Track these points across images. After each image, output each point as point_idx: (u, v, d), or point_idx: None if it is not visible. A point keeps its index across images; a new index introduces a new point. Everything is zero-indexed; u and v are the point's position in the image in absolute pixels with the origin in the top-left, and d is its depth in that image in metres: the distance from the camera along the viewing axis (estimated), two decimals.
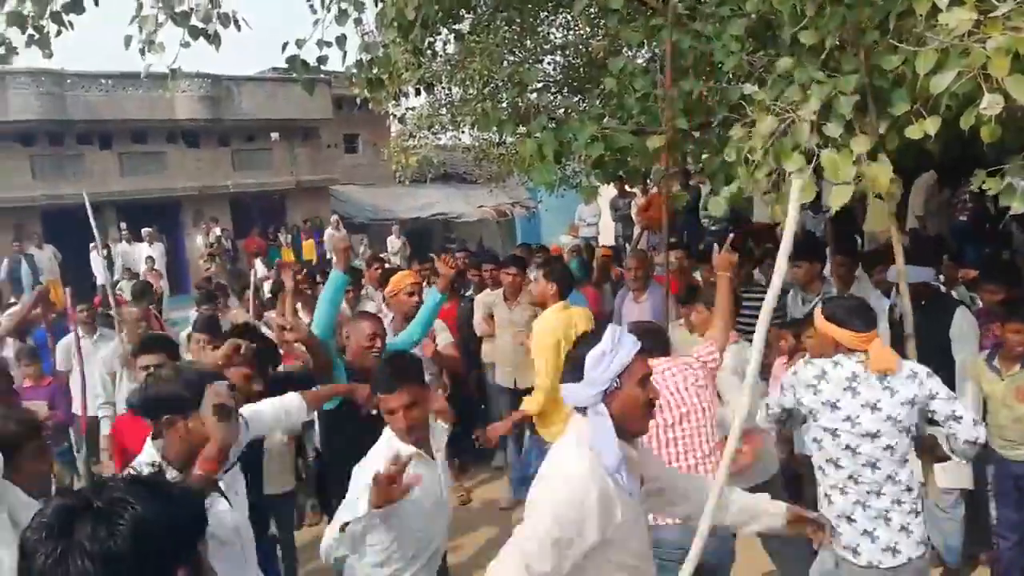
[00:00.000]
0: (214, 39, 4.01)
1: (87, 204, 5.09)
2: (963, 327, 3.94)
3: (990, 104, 2.28)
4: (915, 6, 2.47)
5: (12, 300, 7.58)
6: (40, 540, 1.01)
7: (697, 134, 4.29)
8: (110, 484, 1.07)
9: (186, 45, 4.01)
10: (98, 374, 5.29)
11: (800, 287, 5.00)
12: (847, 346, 2.67)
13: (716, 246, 3.76)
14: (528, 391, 4.56)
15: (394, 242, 16.31)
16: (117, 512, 1.02)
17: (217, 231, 16.10)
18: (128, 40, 3.92)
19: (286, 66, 4.42)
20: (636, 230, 10.37)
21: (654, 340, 3.15)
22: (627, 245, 10.56)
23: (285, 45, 4.20)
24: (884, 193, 2.62)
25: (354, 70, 4.62)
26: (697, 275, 6.06)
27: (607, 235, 13.20)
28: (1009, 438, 3.71)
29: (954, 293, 4.93)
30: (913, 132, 2.54)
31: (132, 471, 1.66)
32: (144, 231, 15.05)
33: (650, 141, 3.68)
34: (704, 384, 3.09)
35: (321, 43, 4.12)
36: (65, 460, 5.21)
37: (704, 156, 4.40)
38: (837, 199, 2.56)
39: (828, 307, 2.78)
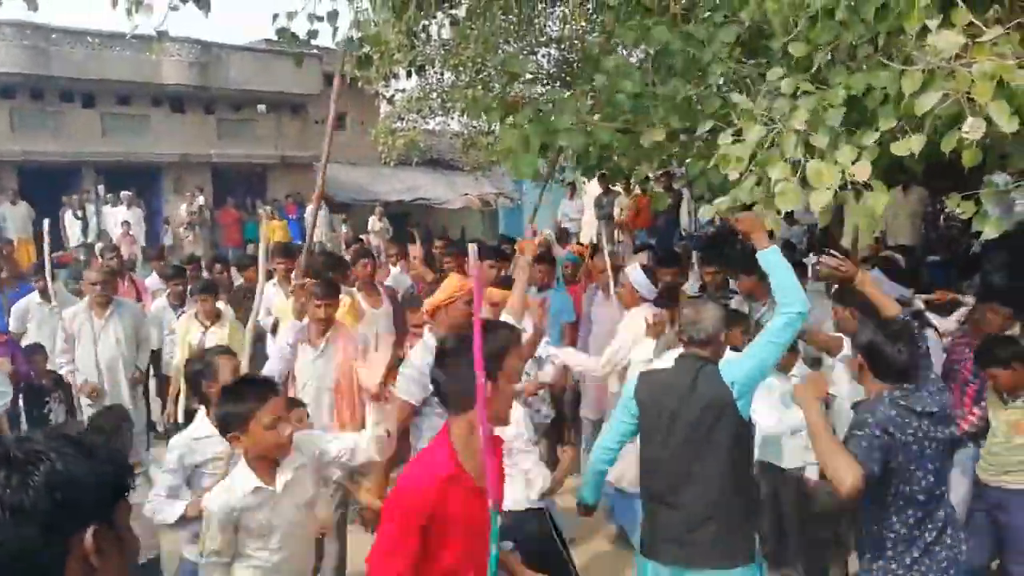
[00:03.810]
0: (203, 3, 3.94)
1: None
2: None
3: (972, 128, 2.31)
4: (905, 25, 2.48)
5: None
6: None
7: (683, 137, 4.30)
8: (32, 437, 1.09)
9: (175, 8, 3.94)
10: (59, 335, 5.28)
11: (745, 297, 5.10)
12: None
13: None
14: None
15: (375, 223, 16.22)
16: (33, 463, 1.04)
17: (200, 200, 15.91)
18: None
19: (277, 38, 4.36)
20: (606, 230, 10.44)
21: None
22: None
23: (276, 17, 4.15)
24: (870, 217, 2.64)
25: (343, 46, 4.57)
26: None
27: (588, 232, 13.25)
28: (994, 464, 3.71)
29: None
30: (899, 148, 2.56)
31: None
32: (123, 194, 14.84)
33: (645, 136, 3.67)
34: None
35: (312, 17, 4.07)
36: (11, 414, 5.13)
37: (688, 160, 4.41)
38: (817, 201, 2.58)
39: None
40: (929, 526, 2.61)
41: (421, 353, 3.32)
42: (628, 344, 4.32)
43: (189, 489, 3.04)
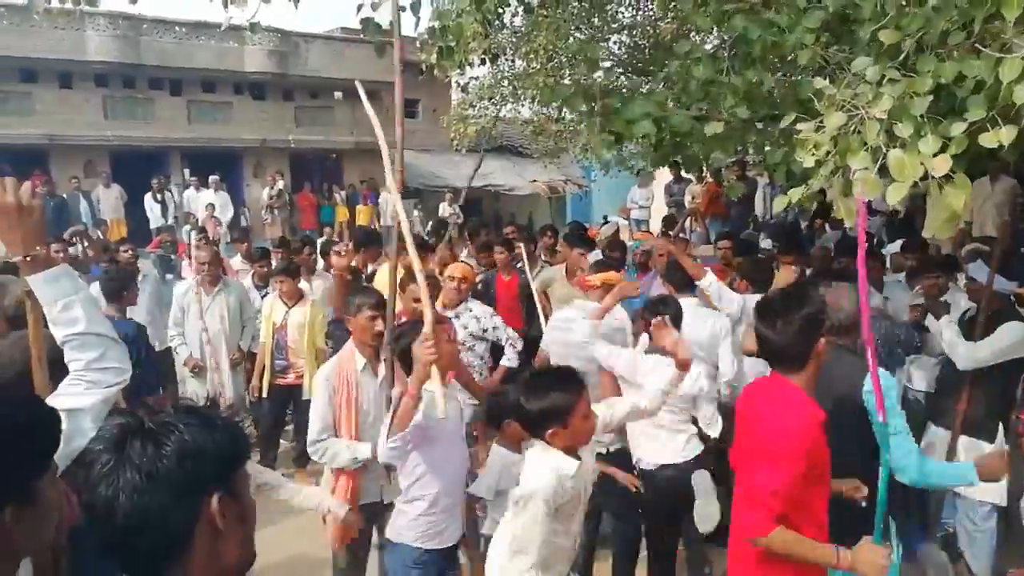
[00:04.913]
0: None
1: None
2: (1007, 335, 3.77)
3: None
4: (1003, 11, 2.41)
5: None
6: (97, 452, 1.14)
7: (760, 125, 4.25)
8: (165, 410, 1.18)
9: (267, 0, 4.10)
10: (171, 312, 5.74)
11: None
12: None
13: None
14: None
15: (446, 209, 16.43)
16: (165, 434, 1.13)
17: (280, 184, 16.42)
18: None
19: (356, 26, 4.47)
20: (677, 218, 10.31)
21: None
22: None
23: (360, 7, 4.27)
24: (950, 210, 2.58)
25: (426, 36, 4.67)
26: None
27: (659, 219, 13.12)
28: None
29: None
30: (988, 140, 2.50)
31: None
32: (211, 178, 15.43)
33: (708, 127, 3.67)
34: None
35: (396, 7, 4.16)
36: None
37: (767, 148, 4.36)
38: (893, 195, 2.54)
39: None
40: None
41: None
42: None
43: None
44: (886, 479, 2.37)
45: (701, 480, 3.61)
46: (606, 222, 11.31)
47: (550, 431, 2.45)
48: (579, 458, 2.52)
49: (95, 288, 6.44)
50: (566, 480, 2.44)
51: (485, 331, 4.69)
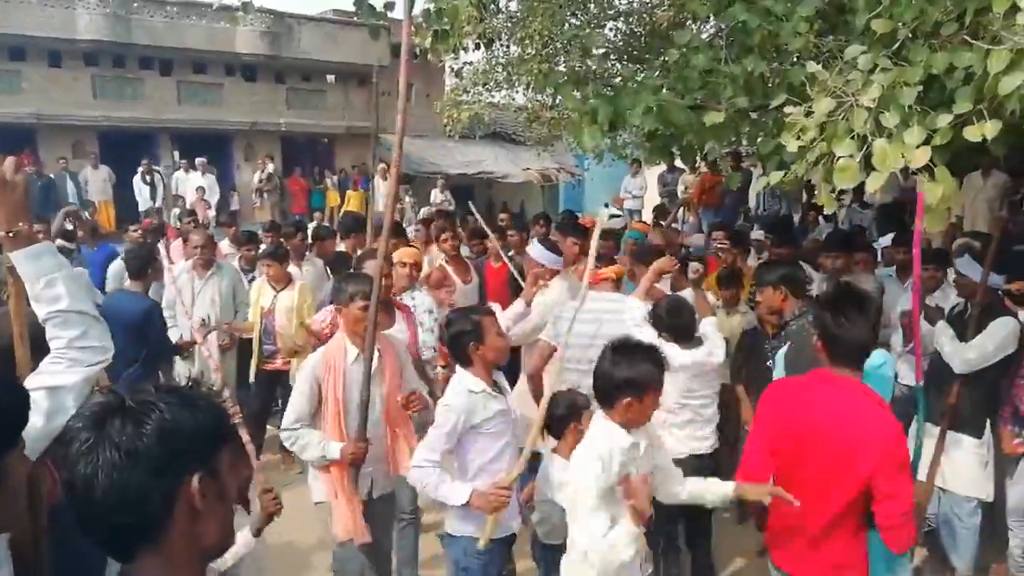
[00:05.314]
0: None
1: None
2: (999, 330, 3.79)
3: None
4: (993, 3, 2.42)
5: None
6: (77, 430, 1.13)
7: (754, 115, 4.24)
8: (145, 389, 1.18)
9: None
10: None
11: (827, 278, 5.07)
12: None
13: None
14: None
15: (437, 196, 16.39)
16: (146, 413, 1.13)
17: (270, 168, 16.33)
18: None
19: (349, 8, 4.42)
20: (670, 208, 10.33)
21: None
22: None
23: None
24: (941, 201, 2.58)
25: (421, 19, 4.63)
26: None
27: (651, 209, 13.15)
28: None
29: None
30: (972, 133, 2.50)
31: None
32: (198, 160, 15.32)
33: (707, 117, 3.66)
34: None
35: None
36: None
37: (759, 138, 4.35)
38: (872, 184, 2.55)
39: None
40: None
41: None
42: (541, 321, 4.33)
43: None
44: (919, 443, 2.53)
45: None
46: (607, 207, 11.32)
47: (626, 400, 2.50)
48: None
49: (117, 266, 6.42)
50: (617, 452, 2.50)
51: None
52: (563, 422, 3.25)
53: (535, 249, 4.71)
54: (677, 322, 3.68)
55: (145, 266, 4.92)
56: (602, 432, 2.57)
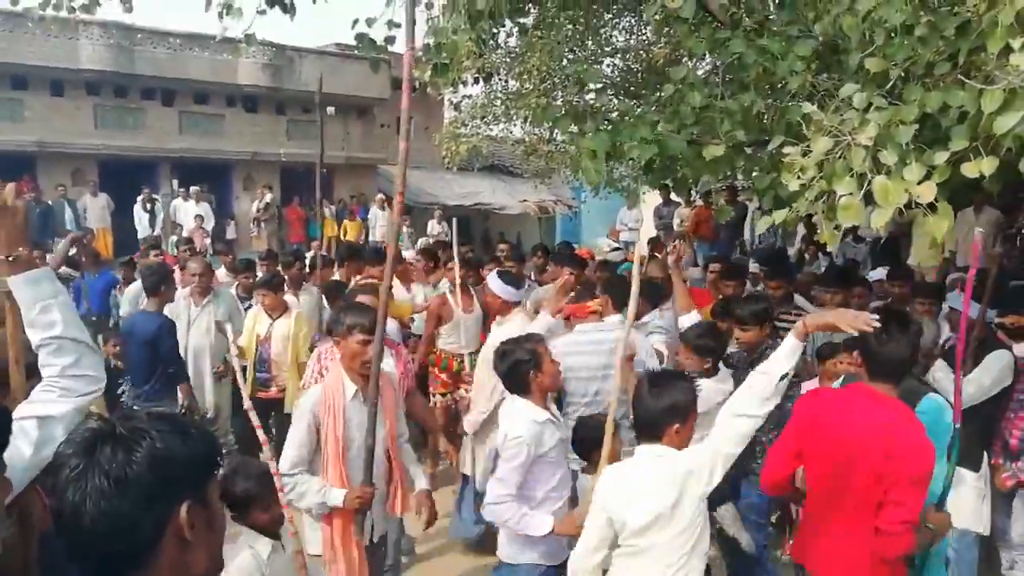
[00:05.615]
0: (290, 8, 4.12)
1: None
2: (994, 364, 3.80)
3: None
4: (988, 44, 2.46)
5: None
6: (67, 456, 1.11)
7: (750, 150, 4.29)
8: (137, 416, 1.17)
9: (262, 12, 4.13)
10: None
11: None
12: None
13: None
14: None
15: (434, 227, 16.45)
16: (137, 440, 1.11)
17: (268, 197, 16.40)
18: (208, 1, 4.05)
19: (350, 42, 4.50)
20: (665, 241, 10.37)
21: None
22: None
23: (355, 22, 4.30)
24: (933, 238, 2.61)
25: (420, 53, 4.70)
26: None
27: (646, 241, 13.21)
28: None
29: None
30: (969, 169, 2.53)
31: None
32: (193, 189, 15.36)
33: (707, 150, 3.70)
34: None
35: (391, 24, 4.21)
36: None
37: (755, 173, 4.40)
38: (878, 220, 2.58)
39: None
40: None
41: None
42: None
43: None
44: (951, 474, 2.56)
45: (726, 512, 3.61)
46: (608, 238, 11.36)
47: (675, 427, 2.49)
48: None
49: (135, 288, 6.39)
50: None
51: None
52: (587, 444, 3.31)
53: (494, 282, 4.59)
54: (719, 348, 3.73)
55: (160, 282, 5.12)
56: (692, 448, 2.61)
